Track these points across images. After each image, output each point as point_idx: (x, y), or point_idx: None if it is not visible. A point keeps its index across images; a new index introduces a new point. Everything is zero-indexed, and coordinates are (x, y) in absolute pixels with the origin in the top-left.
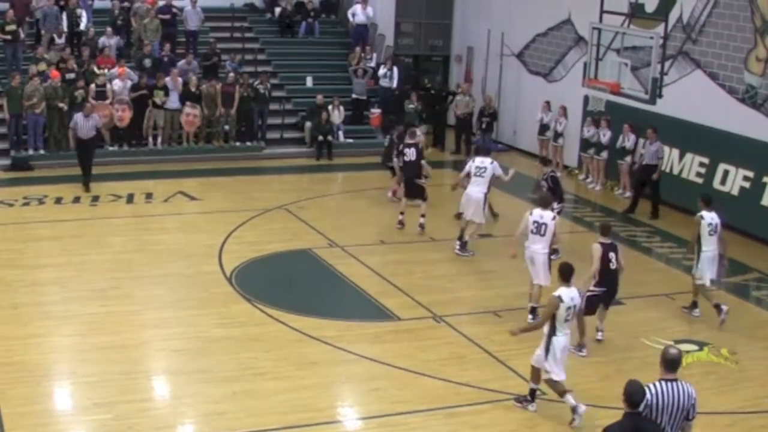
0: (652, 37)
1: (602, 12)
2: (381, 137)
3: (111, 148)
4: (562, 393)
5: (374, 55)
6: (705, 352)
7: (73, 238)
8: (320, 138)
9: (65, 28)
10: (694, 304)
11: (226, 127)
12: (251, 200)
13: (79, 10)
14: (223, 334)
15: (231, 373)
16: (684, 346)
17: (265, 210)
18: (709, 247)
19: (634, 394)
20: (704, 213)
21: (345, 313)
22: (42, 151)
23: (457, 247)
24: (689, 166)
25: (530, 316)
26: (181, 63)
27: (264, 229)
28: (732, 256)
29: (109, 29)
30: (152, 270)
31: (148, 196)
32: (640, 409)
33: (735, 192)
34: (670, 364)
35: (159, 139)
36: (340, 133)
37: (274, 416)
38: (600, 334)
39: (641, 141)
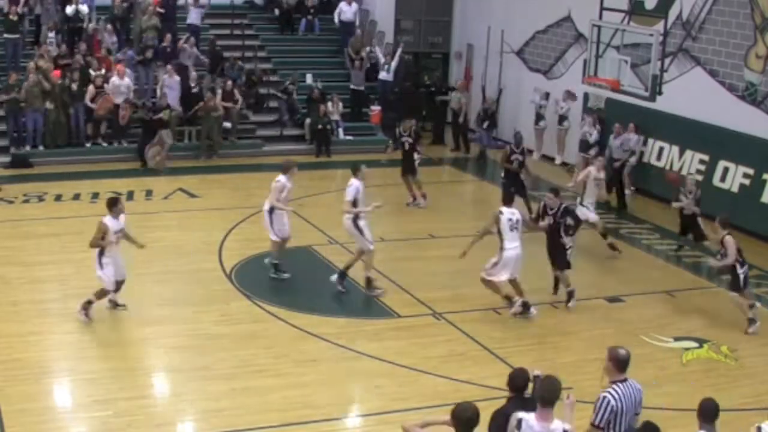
0: (652, 35)
1: (602, 9)
2: (381, 134)
3: (105, 145)
4: None
5: (376, 46)
6: (705, 350)
7: (73, 235)
8: (320, 126)
9: (65, 24)
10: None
11: (227, 125)
12: (251, 197)
13: (80, 6)
14: (222, 331)
15: (230, 371)
16: (684, 344)
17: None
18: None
19: (516, 378)
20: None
21: (345, 310)
22: (41, 148)
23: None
24: (689, 163)
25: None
26: (185, 45)
27: (263, 226)
28: None
29: (109, 26)
30: (152, 267)
31: (148, 193)
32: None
33: (735, 189)
34: (622, 364)
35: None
36: (340, 130)
37: (274, 413)
38: None
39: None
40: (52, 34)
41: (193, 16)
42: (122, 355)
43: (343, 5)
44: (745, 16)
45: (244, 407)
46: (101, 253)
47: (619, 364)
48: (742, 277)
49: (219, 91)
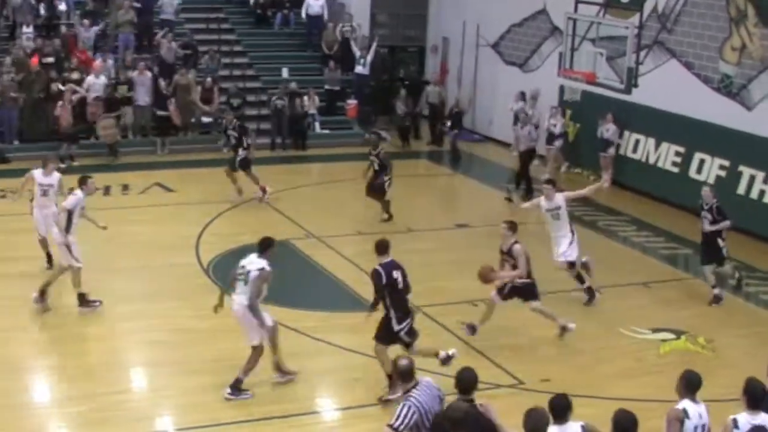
0: (627, 27)
1: (577, 2)
2: (357, 128)
3: (85, 141)
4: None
5: (351, 41)
6: (682, 341)
7: None
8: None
9: (41, 19)
10: None
11: (207, 119)
12: (228, 192)
13: (60, 5)
14: (199, 326)
15: (208, 365)
16: (661, 335)
17: (242, 201)
18: None
19: (462, 380)
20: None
21: (323, 303)
22: (16, 143)
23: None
24: (665, 155)
25: None
26: (162, 40)
27: (240, 220)
28: None
29: (86, 21)
30: (129, 262)
31: (125, 187)
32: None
33: (711, 181)
34: (406, 375)
35: (129, 133)
36: (316, 124)
37: (252, 407)
38: None
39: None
40: (29, 29)
41: (168, 11)
42: (99, 350)
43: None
44: (720, 8)
45: (222, 401)
46: None
47: (402, 375)
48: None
49: (198, 89)
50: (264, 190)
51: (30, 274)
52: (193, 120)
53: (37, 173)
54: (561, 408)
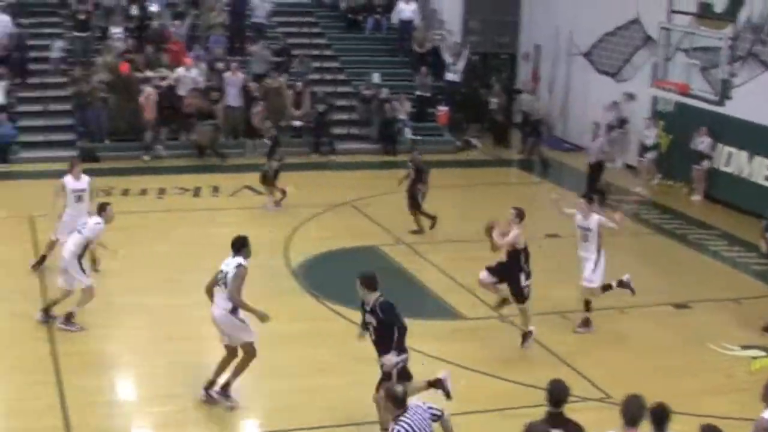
0: (720, 38)
1: (670, 11)
2: (448, 135)
3: (164, 153)
4: None
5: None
6: None
7: (139, 229)
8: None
9: (132, 21)
10: None
11: (297, 123)
12: (317, 196)
13: (151, 7)
14: (286, 329)
15: (294, 368)
16: (752, 352)
17: (332, 206)
18: None
19: (554, 392)
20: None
21: (410, 310)
22: (107, 142)
23: None
24: (758, 169)
25: None
26: (255, 48)
27: (330, 224)
28: None
29: (177, 22)
30: (216, 263)
31: (215, 189)
32: None
33: None
34: (401, 401)
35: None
36: (407, 130)
37: (338, 412)
38: None
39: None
40: (118, 30)
41: (260, 14)
42: (185, 350)
43: (401, 4)
44: None
45: (308, 405)
46: None
47: (396, 401)
48: (526, 291)
49: (290, 93)
50: (283, 192)
51: (120, 274)
52: (283, 123)
53: (68, 180)
54: (660, 417)
